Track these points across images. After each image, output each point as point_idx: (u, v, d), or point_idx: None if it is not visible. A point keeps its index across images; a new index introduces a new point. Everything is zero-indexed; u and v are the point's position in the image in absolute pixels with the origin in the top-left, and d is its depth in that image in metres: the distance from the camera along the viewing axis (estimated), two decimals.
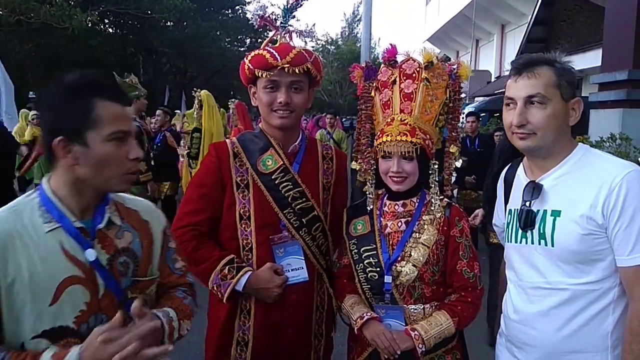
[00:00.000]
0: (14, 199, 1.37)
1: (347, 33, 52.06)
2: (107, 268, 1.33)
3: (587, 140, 6.03)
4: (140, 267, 1.41)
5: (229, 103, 6.98)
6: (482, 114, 12.24)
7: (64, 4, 19.49)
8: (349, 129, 13.03)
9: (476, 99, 17.54)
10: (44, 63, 23.20)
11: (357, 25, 48.80)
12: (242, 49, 33.95)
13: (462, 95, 2.03)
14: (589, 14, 13.14)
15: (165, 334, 1.35)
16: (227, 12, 32.82)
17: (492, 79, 19.56)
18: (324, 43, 46.66)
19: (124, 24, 27.21)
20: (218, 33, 30.13)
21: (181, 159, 6.74)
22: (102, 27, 26.57)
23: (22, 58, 21.03)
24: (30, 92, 25.05)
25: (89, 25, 20.60)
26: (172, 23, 26.70)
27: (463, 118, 6.92)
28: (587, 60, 11.74)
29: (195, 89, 6.62)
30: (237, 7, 32.97)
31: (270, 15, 2.14)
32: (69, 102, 1.28)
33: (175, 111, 8.10)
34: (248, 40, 32.73)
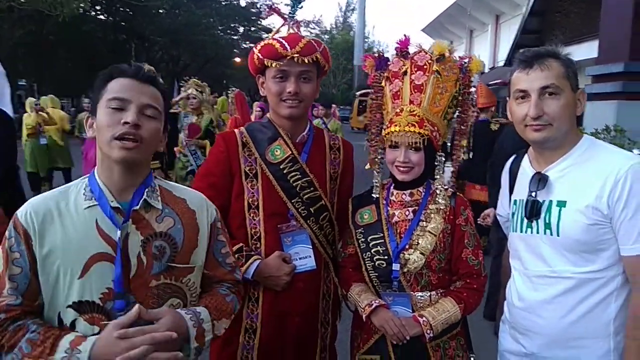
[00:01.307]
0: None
1: (341, 22, 51.86)
2: (140, 250, 1.36)
3: (582, 132, 6.10)
4: (179, 254, 1.43)
5: (228, 92, 6.95)
6: None
7: None
8: (344, 118, 13.09)
9: (508, 86, 17.52)
10: (35, 50, 22.96)
11: (351, 15, 48.58)
12: (235, 37, 33.76)
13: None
14: (583, 5, 13.19)
15: (190, 337, 1.37)
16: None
17: (486, 70, 19.64)
18: (317, 32, 46.50)
19: (116, 11, 26.96)
20: (212, 20, 29.89)
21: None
22: (93, 14, 26.30)
23: (13, 45, 20.78)
24: (23, 80, 24.81)
25: (81, 12, 20.39)
26: (165, 10, 26.47)
27: None
28: (581, 51, 11.77)
29: (185, 77, 6.60)
30: None
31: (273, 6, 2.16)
32: (97, 88, 1.38)
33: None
34: (241, 29, 32.53)
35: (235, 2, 31.82)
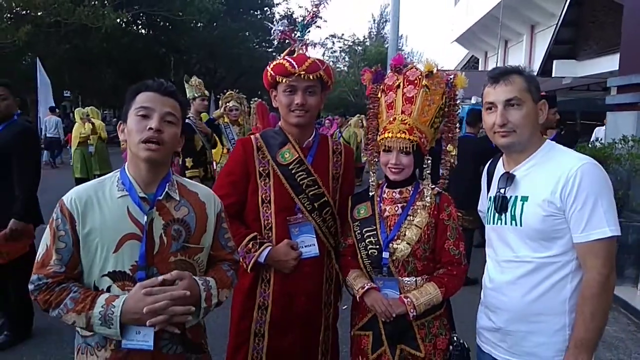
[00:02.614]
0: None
1: (374, 34, 51.91)
2: (162, 232, 1.68)
3: (600, 142, 6.18)
4: (192, 237, 1.75)
5: (251, 103, 7.24)
6: None
7: (97, 5, 20.13)
8: None
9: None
10: (79, 63, 23.98)
11: (385, 26, 48.62)
12: (269, 50, 34.36)
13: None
14: (616, 16, 13.01)
15: (201, 298, 1.70)
16: (255, 13, 33.21)
17: None
18: (351, 44, 46.67)
19: (155, 25, 27.83)
20: (247, 34, 30.59)
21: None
22: (134, 27, 27.23)
23: (59, 58, 21.80)
24: (68, 92, 25.92)
25: (122, 25, 21.22)
26: (202, 24, 27.23)
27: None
28: (615, 62, 11.67)
29: (224, 90, 6.89)
30: (265, 9, 33.36)
31: (290, 25, 2.47)
32: (127, 100, 1.71)
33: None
34: (275, 42, 33.10)
35: (270, 16, 32.48)
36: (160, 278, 1.61)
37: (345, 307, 2.53)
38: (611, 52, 12.64)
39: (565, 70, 14.17)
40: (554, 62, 14.83)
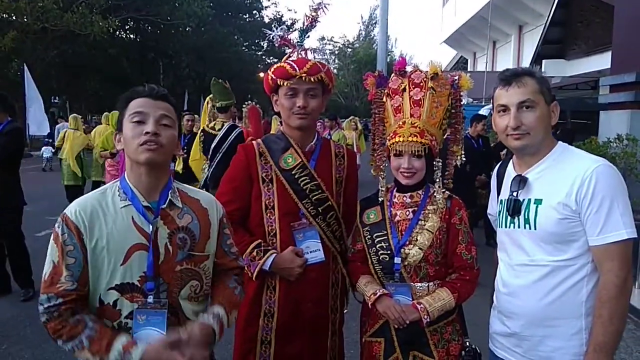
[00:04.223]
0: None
1: (363, 36, 52.04)
2: (167, 241, 1.63)
3: (596, 141, 6.22)
4: (197, 245, 1.70)
5: (243, 107, 7.22)
6: None
7: (85, 11, 20.03)
8: (364, 130, 13.44)
9: (492, 101, 17.50)
10: (67, 69, 23.81)
11: (374, 28, 48.77)
12: (259, 53, 34.32)
13: (466, 101, 2.30)
14: (604, 15, 13.13)
15: (216, 336, 1.65)
16: (244, 16, 33.18)
17: None
18: (341, 46, 46.77)
19: (144, 30, 27.75)
20: (236, 38, 30.55)
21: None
22: (122, 33, 27.08)
23: (47, 65, 21.64)
24: (56, 98, 25.66)
25: (110, 31, 21.13)
26: (191, 29, 27.16)
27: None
28: (603, 61, 11.76)
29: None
30: (254, 12, 33.34)
31: (287, 30, 2.45)
32: (120, 108, 1.66)
33: (195, 115, 8.42)
34: (265, 44, 33.11)
35: (259, 19, 32.46)
36: (185, 337, 1.54)
37: (346, 310, 2.49)
38: (600, 51, 12.76)
39: (555, 69, 14.30)
40: (543, 61, 14.95)
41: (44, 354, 3.96)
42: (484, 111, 11.28)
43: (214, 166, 5.50)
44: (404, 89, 2.21)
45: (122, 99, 1.67)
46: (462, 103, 2.24)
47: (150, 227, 1.61)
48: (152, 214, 1.64)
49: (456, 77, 2.23)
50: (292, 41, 2.39)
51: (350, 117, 13.06)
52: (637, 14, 6.16)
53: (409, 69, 2.25)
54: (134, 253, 1.59)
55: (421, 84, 2.19)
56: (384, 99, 2.29)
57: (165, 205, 1.66)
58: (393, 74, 2.28)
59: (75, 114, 10.30)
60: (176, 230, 1.67)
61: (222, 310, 1.72)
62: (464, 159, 2.29)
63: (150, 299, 1.60)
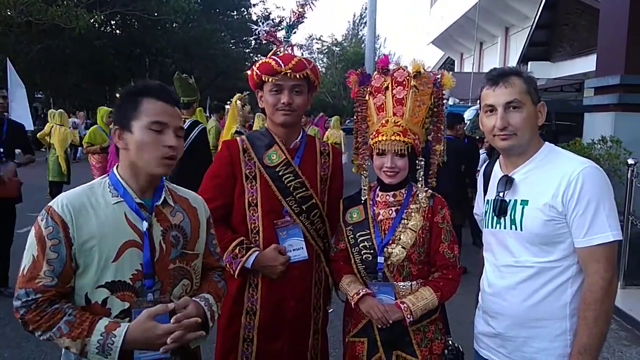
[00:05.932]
0: None
1: (352, 35, 52.08)
2: (161, 239, 1.60)
3: (580, 143, 6.25)
4: (189, 243, 1.69)
5: (226, 105, 7.18)
6: None
7: (70, 5, 19.76)
8: (351, 130, 13.41)
9: (479, 100, 17.63)
10: (51, 64, 23.49)
11: (363, 27, 48.84)
12: (247, 50, 34.16)
13: (449, 101, 2.28)
14: (590, 18, 13.26)
15: (208, 319, 1.63)
16: (232, 13, 33.01)
17: None
18: (329, 45, 46.73)
19: (130, 26, 27.46)
20: (223, 35, 30.38)
21: None
22: (108, 28, 26.78)
23: (30, 59, 21.32)
24: (39, 93, 25.28)
25: (95, 26, 20.89)
26: (177, 25, 26.95)
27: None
28: (588, 63, 11.88)
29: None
30: (242, 9, 33.17)
31: (274, 26, 2.41)
32: (125, 102, 1.59)
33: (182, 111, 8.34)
34: (252, 42, 32.99)
35: (246, 16, 32.31)
36: (172, 305, 1.53)
37: (332, 310, 2.47)
38: (585, 54, 12.91)
39: (540, 72, 14.40)
40: (529, 63, 15.07)
41: (23, 353, 3.89)
42: (471, 111, 11.34)
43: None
44: (387, 87, 2.19)
45: (129, 93, 1.62)
46: (444, 102, 2.22)
47: (144, 224, 1.58)
48: (146, 211, 1.61)
49: (439, 76, 2.21)
50: (278, 37, 2.35)
51: (335, 117, 13.03)
52: (622, 18, 6.20)
53: (392, 67, 2.22)
54: (126, 250, 1.55)
55: (404, 82, 2.16)
56: (367, 97, 2.26)
57: (159, 203, 1.64)
58: (375, 72, 2.25)
59: (61, 110, 10.12)
60: (169, 228, 1.64)
61: (211, 298, 1.71)
62: (445, 158, 2.27)
63: (149, 297, 1.56)
